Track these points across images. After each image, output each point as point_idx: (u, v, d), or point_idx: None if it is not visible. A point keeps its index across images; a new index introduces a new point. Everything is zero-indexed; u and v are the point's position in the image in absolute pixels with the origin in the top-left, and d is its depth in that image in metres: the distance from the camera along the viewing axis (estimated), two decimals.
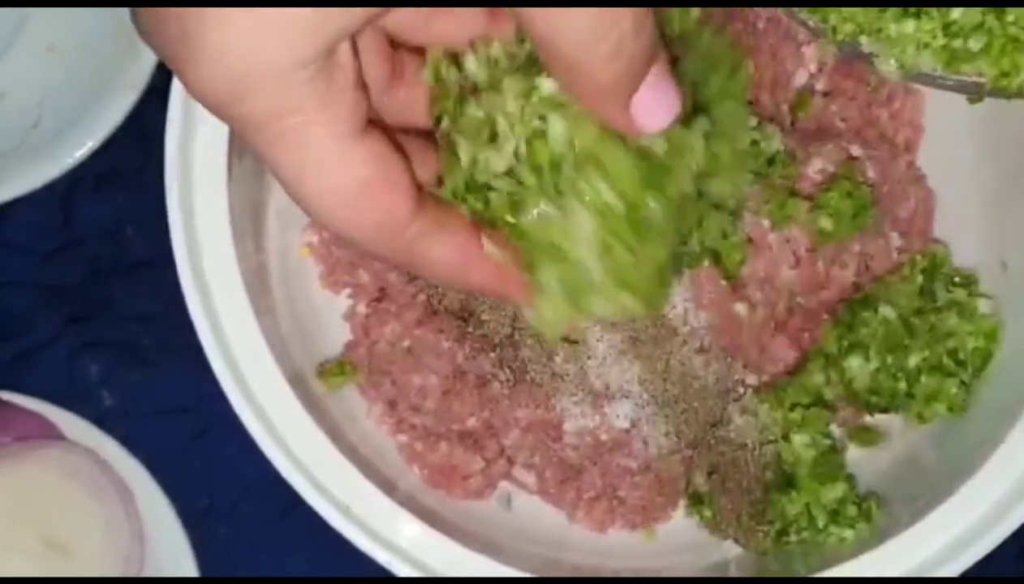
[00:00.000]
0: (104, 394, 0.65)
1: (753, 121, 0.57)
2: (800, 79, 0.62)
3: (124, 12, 0.66)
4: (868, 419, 0.61)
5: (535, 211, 0.34)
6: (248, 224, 0.57)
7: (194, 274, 0.51)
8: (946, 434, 0.59)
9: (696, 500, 0.58)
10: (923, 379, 0.56)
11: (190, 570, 0.61)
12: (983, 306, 0.58)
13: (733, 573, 0.59)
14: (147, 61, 0.64)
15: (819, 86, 0.63)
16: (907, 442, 0.60)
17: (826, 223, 0.56)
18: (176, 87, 0.53)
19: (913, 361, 0.56)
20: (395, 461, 0.62)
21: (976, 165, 0.63)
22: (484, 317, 0.58)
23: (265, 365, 0.51)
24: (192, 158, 0.53)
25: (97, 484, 0.60)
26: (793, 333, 0.60)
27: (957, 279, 0.60)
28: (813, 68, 0.62)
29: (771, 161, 0.57)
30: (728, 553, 0.60)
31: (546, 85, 0.33)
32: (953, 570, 0.53)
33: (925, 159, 0.65)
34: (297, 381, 0.58)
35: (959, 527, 0.54)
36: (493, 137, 0.34)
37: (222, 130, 0.53)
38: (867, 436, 0.60)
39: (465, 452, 0.59)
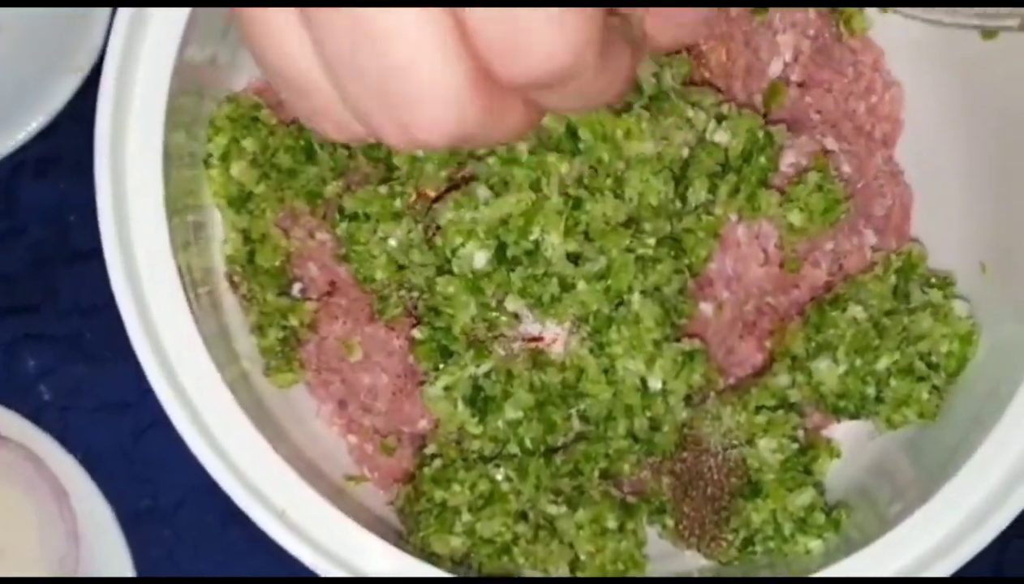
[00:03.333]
0: (42, 389, 0.62)
1: (727, 108, 0.54)
2: (775, 68, 0.59)
3: None
4: (832, 427, 0.58)
5: None
6: (187, 214, 0.55)
7: (125, 266, 0.48)
8: (919, 441, 0.56)
9: (657, 509, 0.56)
10: (893, 383, 0.53)
11: (128, 573, 0.59)
12: (960, 308, 0.55)
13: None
14: (93, 43, 0.62)
15: (794, 76, 0.60)
16: (879, 449, 0.58)
17: (796, 218, 0.54)
18: (108, 73, 0.50)
19: (883, 364, 0.53)
20: (346, 463, 0.59)
21: (957, 162, 0.60)
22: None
23: (200, 364, 0.48)
24: (125, 143, 0.50)
25: (31, 483, 0.58)
26: (762, 335, 0.58)
27: (933, 280, 0.57)
28: (788, 57, 0.60)
29: (749, 151, 0.54)
30: (690, 563, 0.57)
31: None
32: None
33: (904, 155, 0.62)
34: (242, 379, 0.55)
35: (932, 539, 0.51)
36: None
37: (158, 112, 0.51)
38: (827, 449, 0.57)
39: (415, 455, 0.56)
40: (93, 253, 0.63)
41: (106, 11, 0.62)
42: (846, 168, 0.57)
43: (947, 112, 0.60)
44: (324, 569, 0.46)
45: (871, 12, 0.61)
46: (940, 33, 0.59)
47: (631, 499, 0.56)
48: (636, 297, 0.50)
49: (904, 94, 0.62)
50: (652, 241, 0.51)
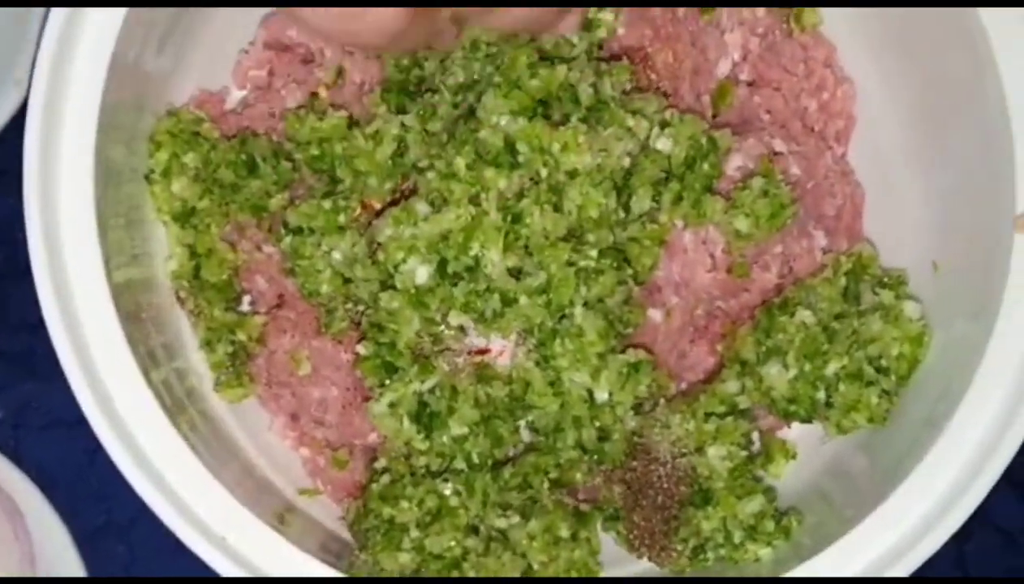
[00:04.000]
0: None
1: (669, 114, 0.54)
2: (723, 68, 0.59)
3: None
4: (786, 430, 0.58)
5: None
6: (131, 229, 0.54)
7: (56, 291, 0.48)
8: (874, 441, 0.56)
9: (611, 516, 0.56)
10: (842, 388, 0.53)
11: None
12: (911, 310, 0.55)
13: None
14: (32, 56, 0.61)
15: (743, 76, 0.59)
16: (834, 450, 0.58)
17: (742, 224, 0.53)
18: (37, 86, 0.49)
19: (832, 369, 0.53)
20: (300, 476, 0.59)
21: (910, 159, 0.59)
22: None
23: (136, 390, 0.48)
24: (57, 159, 0.50)
25: None
26: (714, 338, 0.57)
27: (885, 279, 0.56)
28: (737, 56, 0.59)
29: (692, 158, 0.53)
30: (647, 569, 0.57)
31: None
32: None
33: (857, 152, 0.61)
34: (191, 396, 0.55)
35: (884, 544, 0.51)
36: None
37: (90, 126, 0.50)
38: (782, 450, 0.57)
39: (367, 468, 0.56)
40: None
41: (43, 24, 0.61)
42: (795, 169, 0.56)
43: (901, 108, 0.59)
44: None
45: (822, 7, 0.60)
46: (893, 28, 0.58)
47: (584, 507, 0.56)
48: (579, 310, 0.50)
49: (856, 90, 0.61)
50: (594, 253, 0.50)
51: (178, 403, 0.51)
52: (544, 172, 0.50)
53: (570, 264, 0.50)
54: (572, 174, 0.50)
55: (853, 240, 0.59)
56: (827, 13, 0.61)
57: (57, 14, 0.50)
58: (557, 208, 0.50)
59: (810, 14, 0.60)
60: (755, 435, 0.58)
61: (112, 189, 0.53)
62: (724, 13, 0.58)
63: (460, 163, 0.50)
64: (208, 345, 0.57)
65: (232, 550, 0.47)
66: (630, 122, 0.51)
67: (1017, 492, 0.67)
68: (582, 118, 0.50)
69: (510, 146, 0.49)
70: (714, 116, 0.58)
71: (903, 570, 0.51)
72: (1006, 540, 0.67)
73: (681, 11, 0.58)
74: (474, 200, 0.49)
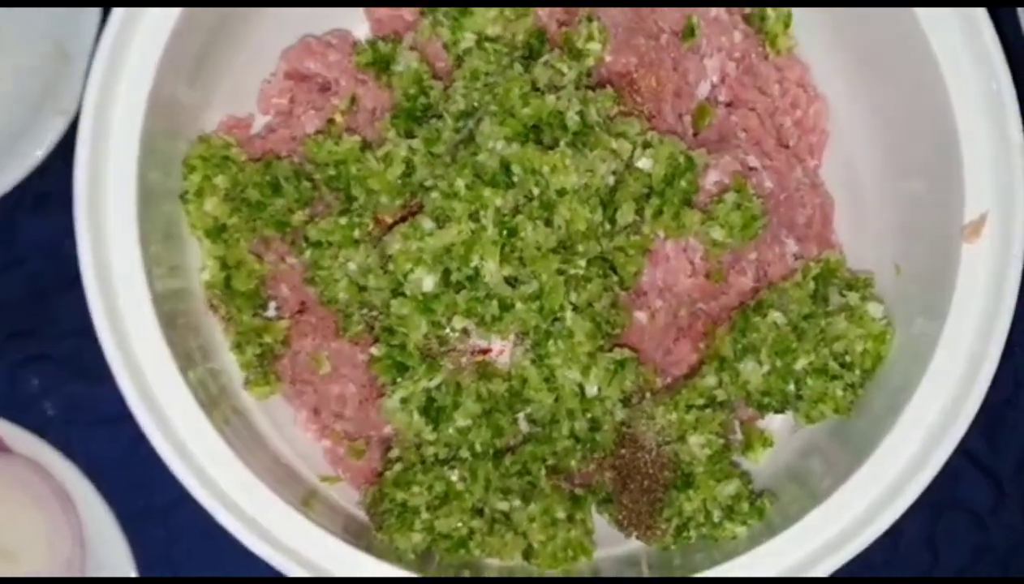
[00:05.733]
0: (46, 405, 0.68)
1: (651, 135, 0.59)
2: (702, 90, 0.64)
3: (59, 36, 0.69)
4: (761, 422, 0.63)
5: None
6: (168, 244, 0.60)
7: (104, 301, 0.54)
8: (840, 430, 0.61)
9: (604, 499, 0.61)
10: (809, 382, 0.58)
11: (129, 572, 0.65)
12: (874, 310, 0.60)
13: (644, 565, 0.62)
14: (76, 87, 0.67)
15: (721, 97, 0.65)
16: (807, 435, 0.63)
17: (718, 234, 0.59)
18: (85, 120, 0.55)
19: (800, 364, 0.58)
20: (322, 464, 0.65)
21: (876, 169, 0.65)
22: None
23: (175, 386, 0.54)
24: (104, 182, 0.56)
25: (39, 493, 0.64)
26: (696, 337, 0.63)
27: (852, 282, 0.62)
28: (715, 79, 0.65)
29: (671, 175, 0.59)
30: (637, 546, 0.63)
31: None
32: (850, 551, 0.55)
33: (828, 164, 0.67)
34: (224, 393, 0.61)
35: (850, 514, 0.56)
36: None
37: (132, 152, 0.56)
38: (761, 438, 0.62)
39: (383, 457, 0.62)
40: None
41: (87, 58, 0.67)
42: (768, 183, 0.62)
43: (868, 123, 0.65)
44: (290, 569, 0.52)
45: (796, 31, 0.66)
46: (862, 50, 0.63)
47: (579, 491, 0.62)
48: (569, 314, 0.56)
49: (828, 106, 0.66)
50: (583, 262, 0.56)
51: (213, 399, 0.57)
52: (536, 191, 0.55)
53: (560, 273, 0.55)
54: (561, 192, 0.55)
55: (823, 246, 0.64)
56: (801, 35, 0.66)
57: (102, 55, 0.56)
58: (548, 223, 0.55)
59: (784, 39, 0.66)
60: (736, 425, 0.64)
61: (151, 208, 0.59)
62: (704, 39, 0.64)
63: (460, 184, 0.55)
64: (238, 347, 0.63)
65: (262, 528, 0.53)
66: (614, 144, 0.57)
67: (985, 476, 0.72)
68: (570, 142, 0.56)
69: (505, 168, 0.55)
70: (695, 134, 0.64)
71: (865, 540, 0.56)
72: (975, 521, 0.72)
73: (664, 38, 0.64)
74: (474, 217, 0.55)
